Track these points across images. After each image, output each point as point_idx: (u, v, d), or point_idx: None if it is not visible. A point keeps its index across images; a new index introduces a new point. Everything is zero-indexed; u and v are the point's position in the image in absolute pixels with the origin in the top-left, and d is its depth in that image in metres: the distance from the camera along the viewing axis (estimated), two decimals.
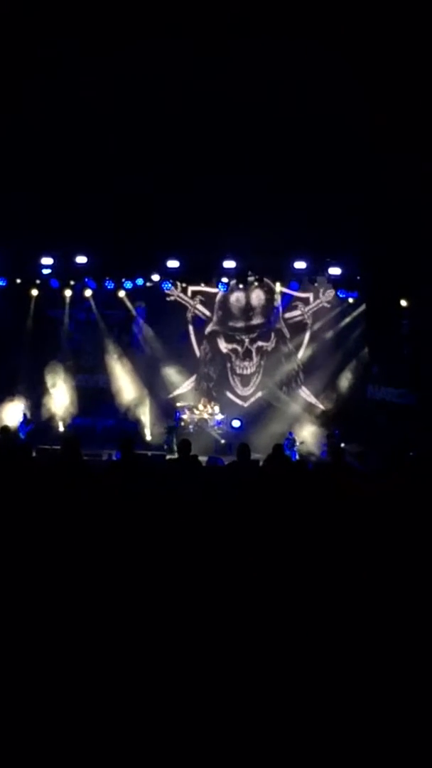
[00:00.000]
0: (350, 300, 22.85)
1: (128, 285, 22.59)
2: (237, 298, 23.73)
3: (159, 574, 5.63)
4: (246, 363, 23.89)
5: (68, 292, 22.78)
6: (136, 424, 22.67)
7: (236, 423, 22.26)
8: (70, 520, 6.12)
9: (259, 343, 23.92)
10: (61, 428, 21.96)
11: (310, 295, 23.63)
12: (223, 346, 23.97)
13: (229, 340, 23.97)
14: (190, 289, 23.82)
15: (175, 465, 10.24)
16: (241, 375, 23.91)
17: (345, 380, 23.08)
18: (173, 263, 21.45)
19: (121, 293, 22.84)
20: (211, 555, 5.86)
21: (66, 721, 4.23)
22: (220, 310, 23.93)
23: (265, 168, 17.68)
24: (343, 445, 18.83)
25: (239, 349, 23.89)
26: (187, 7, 14.13)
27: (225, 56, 15.26)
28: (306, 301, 23.77)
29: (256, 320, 23.88)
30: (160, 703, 4.42)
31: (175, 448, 19.60)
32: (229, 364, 23.98)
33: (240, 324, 23.90)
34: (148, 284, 22.64)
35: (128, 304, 23.24)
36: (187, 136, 17.45)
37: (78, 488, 6.93)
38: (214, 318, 23.96)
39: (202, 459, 11.02)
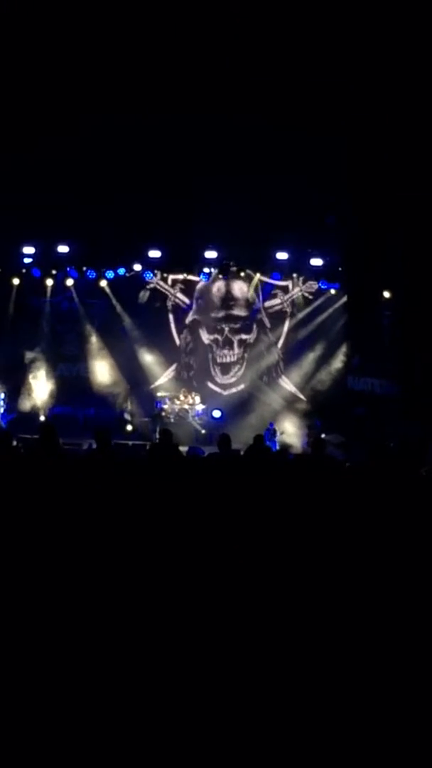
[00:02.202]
0: (332, 291, 22.85)
1: (110, 274, 22.53)
2: (218, 287, 23.62)
3: (139, 563, 5.62)
4: (225, 351, 23.80)
5: (50, 281, 22.69)
6: (117, 414, 22.59)
7: (217, 413, 22.23)
8: (47, 508, 6.11)
9: (242, 336, 23.81)
10: (42, 417, 21.87)
11: (289, 283, 23.58)
12: (205, 337, 23.86)
13: (210, 331, 23.87)
14: (170, 277, 23.69)
15: (155, 454, 10.22)
16: (221, 363, 23.84)
17: (326, 371, 23.08)
18: (155, 253, 21.42)
19: (103, 283, 22.76)
20: (193, 544, 5.87)
21: (64, 718, 4.20)
22: (200, 299, 23.82)
23: (247, 158, 17.70)
24: (324, 435, 18.89)
25: (219, 338, 23.81)
26: None
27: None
28: (285, 290, 23.72)
29: (238, 311, 23.77)
30: (157, 696, 4.41)
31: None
32: (210, 355, 23.90)
33: (221, 314, 23.80)
34: (129, 274, 22.59)
35: (109, 293, 23.12)
36: (172, 128, 17.44)
37: (56, 476, 6.92)
38: (194, 307, 23.85)
39: (183, 449, 11.03)
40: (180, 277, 23.67)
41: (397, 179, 17.14)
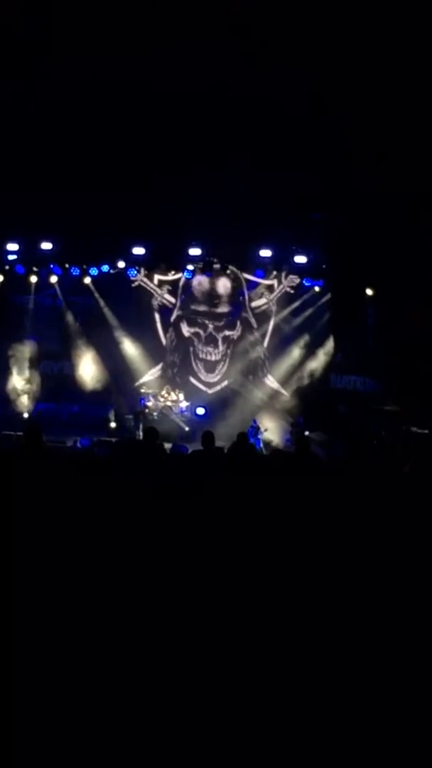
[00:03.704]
0: (316, 288, 22.90)
1: (94, 271, 22.50)
2: (200, 282, 23.63)
3: (125, 562, 5.63)
4: (210, 348, 23.83)
5: (34, 279, 22.64)
6: (101, 411, 22.59)
7: (200, 410, 22.26)
8: (29, 506, 6.10)
9: (226, 332, 23.85)
10: (26, 415, 21.85)
11: (275, 282, 23.66)
12: (186, 330, 23.89)
13: (191, 323, 23.89)
14: (157, 278, 23.72)
15: (140, 452, 10.24)
16: (204, 360, 23.86)
17: (309, 368, 23.15)
18: (139, 250, 21.41)
19: (87, 280, 22.74)
20: (181, 543, 5.88)
21: (64, 717, 4.19)
22: (184, 295, 23.87)
23: (231, 155, 17.70)
24: (306, 433, 18.95)
25: (201, 333, 23.83)
26: None
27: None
28: (271, 289, 23.80)
29: (222, 308, 23.82)
30: (156, 696, 4.40)
31: (141, 434, 19.64)
32: (191, 348, 23.91)
33: (203, 308, 23.82)
34: (113, 271, 22.58)
35: (93, 290, 23.11)
36: (153, 123, 17.43)
37: (40, 474, 6.91)
38: (178, 303, 23.90)
39: (166, 446, 11.05)
40: (168, 278, 23.71)
41: (384, 176, 17.19)
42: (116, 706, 4.31)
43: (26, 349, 22.65)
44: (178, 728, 4.16)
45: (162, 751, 4.02)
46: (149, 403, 22.09)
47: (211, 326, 23.81)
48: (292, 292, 23.46)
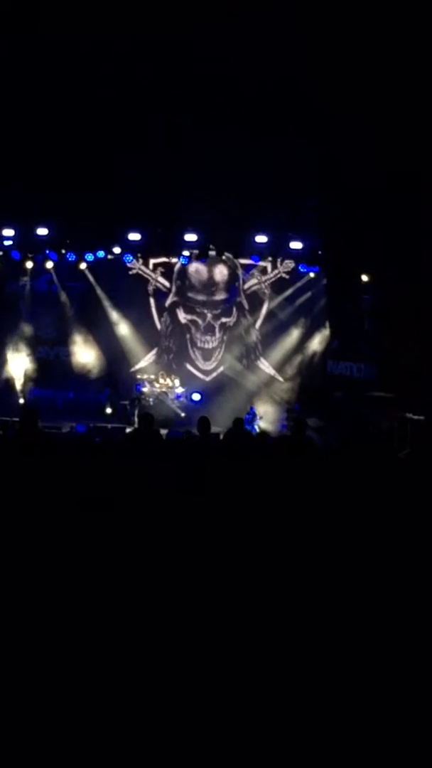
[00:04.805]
0: (311, 274, 22.88)
1: (89, 257, 22.44)
2: (196, 269, 23.61)
3: (121, 548, 5.64)
4: (208, 337, 23.82)
5: (29, 264, 22.55)
6: (97, 397, 22.60)
7: (196, 396, 22.27)
8: (30, 492, 6.12)
9: (223, 320, 23.84)
10: (21, 401, 21.83)
11: (268, 265, 23.62)
12: (182, 316, 23.88)
13: (188, 311, 23.87)
14: (151, 261, 23.68)
15: (135, 438, 10.24)
16: (202, 349, 23.86)
17: (305, 355, 23.16)
18: (135, 236, 21.36)
19: (83, 265, 22.66)
20: (178, 526, 5.90)
21: (63, 715, 4.18)
22: (179, 280, 23.83)
23: (226, 141, 17.67)
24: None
25: (200, 322, 23.81)
26: None
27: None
28: (263, 270, 23.76)
29: (219, 296, 23.80)
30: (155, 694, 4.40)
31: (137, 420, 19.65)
32: (188, 335, 23.91)
33: (201, 297, 23.79)
34: (109, 257, 22.51)
35: (89, 276, 23.06)
36: (150, 109, 17.39)
37: (37, 459, 6.92)
38: (173, 288, 23.86)
39: (162, 432, 11.07)
40: (161, 260, 23.66)
41: (379, 162, 17.18)
42: (116, 695, 4.33)
43: (22, 335, 22.61)
44: (177, 720, 4.16)
45: (162, 746, 4.01)
46: (145, 389, 22.07)
47: (209, 315, 23.79)
48: (287, 277, 23.43)
